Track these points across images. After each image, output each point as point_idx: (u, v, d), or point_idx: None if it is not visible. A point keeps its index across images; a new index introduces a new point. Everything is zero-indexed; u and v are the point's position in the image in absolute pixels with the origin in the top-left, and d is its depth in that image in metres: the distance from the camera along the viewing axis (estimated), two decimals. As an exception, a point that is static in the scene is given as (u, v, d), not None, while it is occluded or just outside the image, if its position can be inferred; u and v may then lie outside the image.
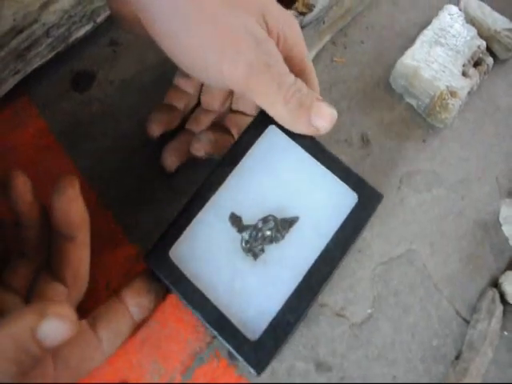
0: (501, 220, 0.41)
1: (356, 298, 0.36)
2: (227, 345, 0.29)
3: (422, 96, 0.45)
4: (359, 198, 0.32)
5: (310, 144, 0.33)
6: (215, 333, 0.30)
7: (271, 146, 0.34)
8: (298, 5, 0.44)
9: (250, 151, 0.33)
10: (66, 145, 0.40)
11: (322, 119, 0.31)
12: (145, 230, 0.37)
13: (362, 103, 0.45)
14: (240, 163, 0.33)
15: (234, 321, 0.30)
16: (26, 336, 0.23)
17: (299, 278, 0.31)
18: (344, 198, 0.33)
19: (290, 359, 0.34)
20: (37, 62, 0.41)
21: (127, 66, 0.44)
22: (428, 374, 0.35)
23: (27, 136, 0.41)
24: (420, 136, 0.44)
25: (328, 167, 0.33)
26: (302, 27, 0.45)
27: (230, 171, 0.33)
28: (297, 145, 0.33)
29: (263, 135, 0.33)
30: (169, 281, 0.32)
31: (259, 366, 0.29)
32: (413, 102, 0.46)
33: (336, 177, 0.33)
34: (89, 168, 0.39)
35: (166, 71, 0.42)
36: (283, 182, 0.33)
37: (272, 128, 0.33)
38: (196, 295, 0.31)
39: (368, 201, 0.32)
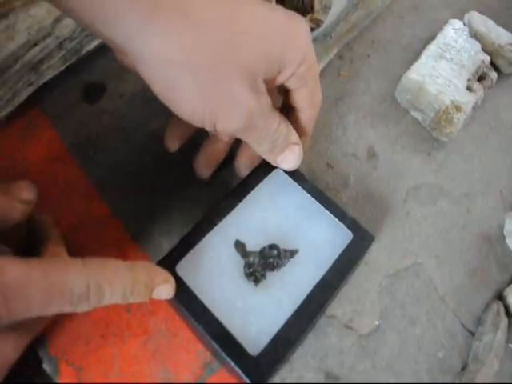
0: (505, 233, 0.42)
1: (363, 310, 0.37)
2: (228, 359, 0.30)
3: (427, 110, 0.46)
4: (354, 236, 0.35)
5: (311, 187, 0.36)
6: (217, 347, 0.30)
7: (276, 185, 0.37)
8: (307, 20, 0.45)
9: (257, 188, 0.36)
10: (77, 156, 0.41)
11: (285, 164, 0.36)
12: (156, 241, 0.38)
13: (369, 117, 0.46)
14: (247, 196, 0.36)
15: (236, 336, 0.31)
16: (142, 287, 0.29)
17: (298, 302, 0.32)
18: (340, 235, 0.35)
19: (300, 369, 0.35)
20: (49, 74, 0.42)
21: (136, 78, 0.44)
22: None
23: (39, 147, 0.41)
24: (425, 149, 0.45)
25: (326, 208, 0.36)
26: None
27: (238, 202, 0.36)
28: (299, 186, 0.36)
29: (270, 175, 0.37)
30: (178, 297, 0.32)
31: (259, 380, 0.30)
32: (418, 116, 0.47)
33: (333, 216, 0.35)
34: (101, 178, 0.40)
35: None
36: (285, 218, 0.36)
37: (278, 170, 0.37)
38: (199, 309, 0.32)
39: (361, 239, 0.35)
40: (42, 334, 0.33)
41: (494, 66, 0.51)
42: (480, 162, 0.45)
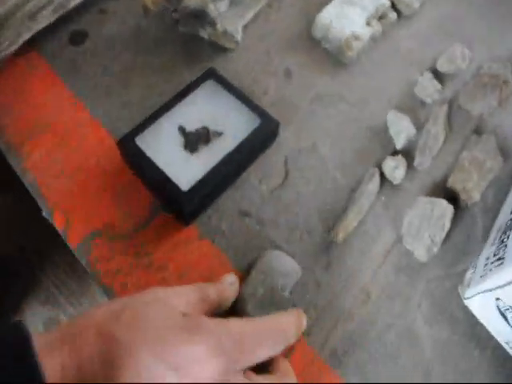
0: (388, 124, 0.56)
1: (272, 174, 0.51)
2: (168, 193, 0.45)
3: (334, 41, 0.60)
4: (262, 121, 0.50)
5: (236, 91, 0.52)
6: (161, 186, 0.46)
7: (210, 89, 0.53)
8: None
9: (196, 90, 0.52)
10: (69, 83, 0.57)
11: None
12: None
13: (289, 47, 0.61)
14: (189, 95, 0.52)
15: (174, 179, 0.46)
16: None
17: (217, 161, 0.48)
18: (254, 121, 0.50)
19: (222, 209, 0.49)
20: (43, 23, 0.57)
21: (112, 26, 0.61)
22: (321, 223, 0.49)
23: (36, 80, 0.57)
24: (331, 70, 0.59)
25: (246, 104, 0.51)
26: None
27: (182, 99, 0.51)
28: (227, 91, 0.52)
29: (206, 82, 0.52)
30: (135, 158, 0.48)
31: (187, 206, 0.45)
32: (327, 46, 0.61)
33: (250, 110, 0.51)
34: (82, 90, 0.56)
35: (140, 28, 0.60)
36: (215, 110, 0.52)
37: (211, 79, 0.52)
38: (151, 166, 0.47)
39: (269, 123, 0.51)
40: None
41: (395, 8, 0.65)
42: (376, 79, 0.59)
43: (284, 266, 0.45)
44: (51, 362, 0.30)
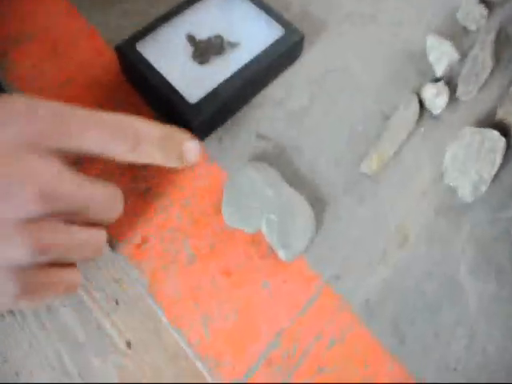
0: (427, 50, 0.48)
1: (294, 94, 0.44)
2: (174, 105, 0.38)
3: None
4: (285, 31, 0.43)
5: None
6: (165, 97, 0.39)
7: None
8: None
9: None
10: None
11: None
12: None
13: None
14: (199, 1, 0.44)
15: (180, 90, 0.39)
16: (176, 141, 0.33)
17: (231, 73, 0.40)
18: (275, 31, 0.44)
19: (235, 130, 0.42)
20: None
21: None
22: (351, 151, 0.42)
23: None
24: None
25: (266, 12, 0.44)
26: None
27: (192, 4, 0.44)
28: None
29: None
30: (135, 66, 0.40)
31: (195, 120, 0.38)
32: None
33: (271, 18, 0.44)
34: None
35: None
36: (231, 19, 0.44)
37: None
38: (154, 75, 0.40)
39: (292, 34, 0.43)
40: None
41: None
42: (412, 1, 0.52)
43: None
44: None
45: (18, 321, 0.50)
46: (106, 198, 0.31)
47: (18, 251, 0.27)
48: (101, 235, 0.32)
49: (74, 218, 0.30)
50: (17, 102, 0.27)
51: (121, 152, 0.30)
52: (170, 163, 0.33)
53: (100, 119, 0.30)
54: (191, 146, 0.33)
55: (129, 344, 0.49)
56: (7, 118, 0.27)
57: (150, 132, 0.31)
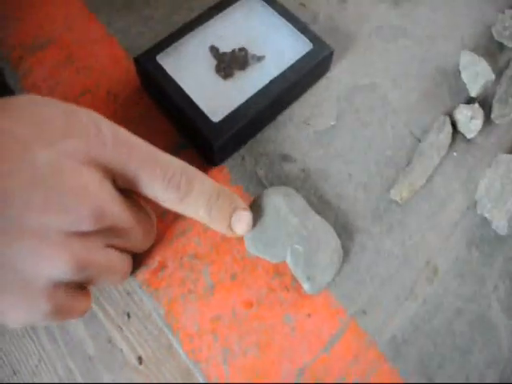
0: (460, 68, 0.46)
1: (321, 112, 0.42)
2: (195, 123, 0.36)
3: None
4: (313, 46, 0.40)
5: (281, 7, 0.42)
6: (186, 114, 0.37)
7: (249, 4, 0.43)
8: None
9: (233, 5, 0.42)
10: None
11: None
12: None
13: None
14: (224, 11, 0.42)
15: (202, 107, 0.37)
16: (228, 204, 0.31)
17: (256, 90, 0.38)
18: (302, 45, 0.41)
19: (258, 150, 0.40)
20: None
21: None
22: (379, 175, 0.40)
23: None
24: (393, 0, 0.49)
25: (293, 24, 0.41)
26: None
27: (216, 15, 0.42)
28: (269, 7, 0.42)
29: None
30: (155, 79, 0.38)
31: (217, 140, 0.36)
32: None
33: (297, 31, 0.41)
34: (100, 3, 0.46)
35: None
36: (255, 31, 0.42)
37: None
38: (174, 90, 0.38)
39: (320, 49, 0.41)
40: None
41: None
42: (446, 13, 0.49)
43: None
44: None
45: (29, 333, 0.48)
46: (148, 226, 0.31)
47: (61, 265, 0.25)
48: (130, 261, 0.32)
49: (114, 241, 0.29)
50: (81, 115, 0.27)
51: (168, 200, 0.29)
52: (215, 225, 0.31)
53: (160, 159, 0.29)
54: (243, 216, 0.32)
55: (140, 359, 0.47)
56: (73, 130, 0.26)
57: (204, 187, 0.30)
